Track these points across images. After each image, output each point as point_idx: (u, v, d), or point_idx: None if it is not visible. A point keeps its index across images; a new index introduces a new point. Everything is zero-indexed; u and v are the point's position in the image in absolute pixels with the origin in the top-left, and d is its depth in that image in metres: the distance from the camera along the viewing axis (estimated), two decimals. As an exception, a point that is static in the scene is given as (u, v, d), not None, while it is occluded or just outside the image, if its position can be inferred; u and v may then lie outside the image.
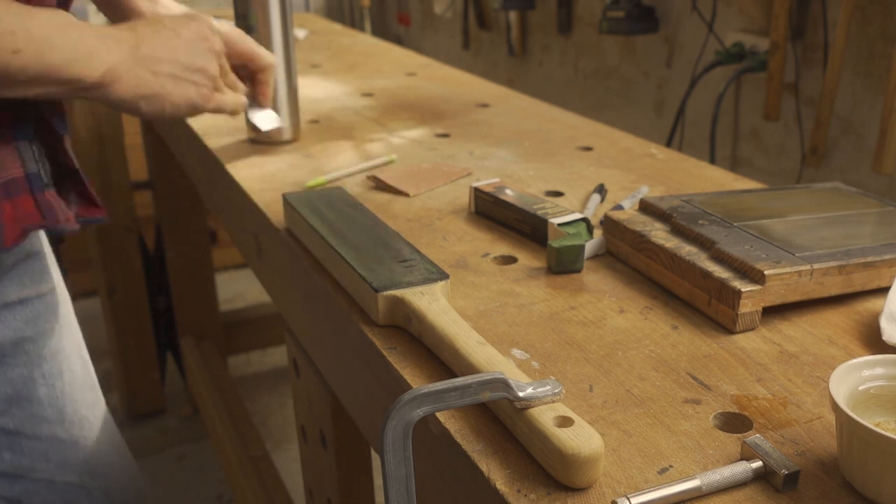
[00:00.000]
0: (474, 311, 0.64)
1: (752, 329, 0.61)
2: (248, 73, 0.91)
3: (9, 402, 0.80)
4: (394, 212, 0.84)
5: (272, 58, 0.92)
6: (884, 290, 0.66)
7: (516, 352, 0.58)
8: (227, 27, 0.88)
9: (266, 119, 0.95)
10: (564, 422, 0.46)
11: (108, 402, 0.95)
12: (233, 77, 0.84)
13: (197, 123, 1.14)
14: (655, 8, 2.00)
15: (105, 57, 0.68)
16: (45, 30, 0.64)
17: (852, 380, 0.47)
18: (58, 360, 0.84)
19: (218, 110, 0.81)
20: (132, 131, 2.01)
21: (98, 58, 0.67)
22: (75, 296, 2.64)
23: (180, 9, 0.95)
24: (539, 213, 0.75)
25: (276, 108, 1.01)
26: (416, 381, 0.55)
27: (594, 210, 0.83)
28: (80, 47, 0.66)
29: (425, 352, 0.58)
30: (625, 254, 0.72)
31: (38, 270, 0.82)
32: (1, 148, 0.72)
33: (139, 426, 2.04)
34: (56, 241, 2.36)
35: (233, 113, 0.84)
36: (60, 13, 0.67)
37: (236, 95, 0.84)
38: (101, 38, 0.68)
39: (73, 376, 0.87)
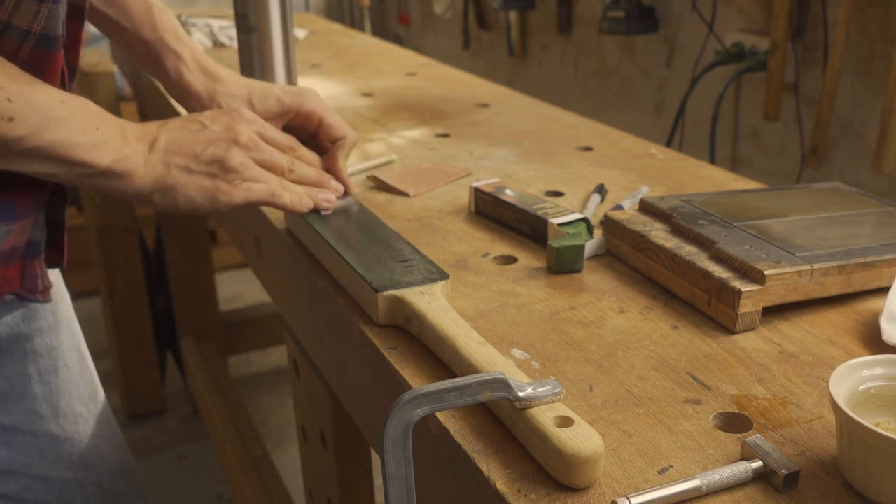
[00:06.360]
0: (474, 311, 0.64)
1: (752, 329, 0.61)
2: (319, 144, 0.83)
3: (3, 398, 0.81)
4: (394, 212, 0.84)
5: (349, 130, 0.82)
6: (884, 290, 0.66)
7: (516, 352, 0.58)
8: (289, 93, 0.81)
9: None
10: (564, 422, 0.46)
11: (108, 403, 0.95)
12: (274, 157, 0.73)
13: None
14: (655, 8, 2.00)
15: (119, 146, 0.65)
16: (50, 106, 0.60)
17: (852, 380, 0.47)
18: (53, 356, 0.85)
19: (251, 202, 0.71)
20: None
21: (111, 146, 0.64)
22: (75, 296, 2.64)
23: (244, 84, 0.85)
24: (539, 213, 0.75)
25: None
26: (416, 381, 0.55)
27: (594, 210, 0.83)
28: (92, 132, 0.63)
29: (425, 352, 0.58)
30: (625, 254, 0.72)
31: None
32: (27, 217, 0.71)
33: (139, 426, 2.04)
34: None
35: (283, 206, 0.73)
36: (82, 98, 0.65)
37: (280, 182, 0.73)
38: (120, 129, 0.66)
39: (69, 372, 0.87)
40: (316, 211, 0.75)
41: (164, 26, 0.84)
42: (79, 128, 0.62)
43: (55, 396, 0.85)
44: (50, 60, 0.67)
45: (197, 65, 0.85)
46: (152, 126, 0.69)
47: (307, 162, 0.77)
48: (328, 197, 0.76)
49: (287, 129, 0.82)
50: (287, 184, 0.73)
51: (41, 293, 0.76)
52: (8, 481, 0.82)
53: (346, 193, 0.79)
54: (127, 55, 0.87)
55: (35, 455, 0.84)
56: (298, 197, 0.73)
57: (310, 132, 0.83)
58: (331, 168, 0.80)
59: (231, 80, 0.85)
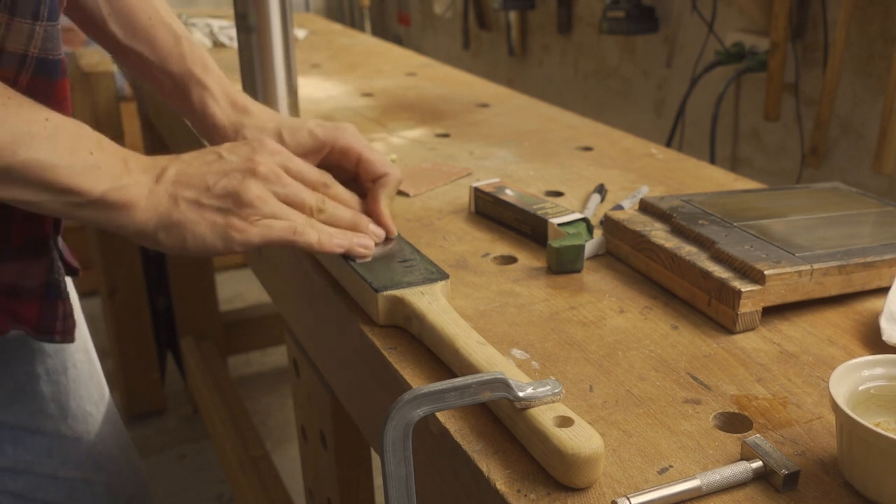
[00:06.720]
0: (474, 311, 0.64)
1: (752, 329, 0.61)
2: (362, 185, 0.74)
3: (11, 397, 0.81)
4: (394, 212, 0.84)
5: (392, 167, 0.73)
6: (884, 290, 0.66)
7: (516, 352, 0.58)
8: (322, 126, 0.73)
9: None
10: (564, 422, 0.46)
11: (114, 403, 0.96)
12: (299, 192, 0.65)
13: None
14: (655, 8, 2.00)
15: (117, 174, 0.58)
16: (28, 122, 0.55)
17: (852, 380, 0.47)
18: (61, 356, 0.85)
19: (270, 241, 0.62)
20: (132, 131, 2.01)
21: (105, 173, 0.58)
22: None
23: (274, 116, 0.78)
24: (539, 213, 0.75)
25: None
26: (416, 381, 0.55)
27: (594, 210, 0.83)
28: (84, 156, 0.57)
29: (425, 352, 0.58)
30: (625, 254, 0.72)
31: None
32: (41, 259, 0.71)
33: (139, 426, 2.04)
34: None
35: (309, 245, 0.64)
36: (77, 122, 0.59)
37: (307, 221, 0.64)
38: (122, 157, 0.60)
39: (77, 372, 0.87)
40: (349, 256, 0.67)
41: (193, 58, 0.79)
42: (65, 149, 0.57)
43: (64, 396, 0.85)
44: (53, 89, 0.63)
45: (225, 97, 0.79)
46: (164, 158, 0.63)
47: (343, 202, 0.69)
48: (364, 242, 0.66)
49: (325, 168, 0.73)
50: (316, 224, 0.65)
51: (59, 333, 0.74)
52: (17, 480, 0.83)
53: (388, 239, 0.70)
54: (152, 91, 0.81)
55: (43, 454, 0.84)
56: (329, 236, 0.64)
57: (351, 172, 0.75)
58: (370, 210, 0.71)
59: (260, 113, 0.78)
